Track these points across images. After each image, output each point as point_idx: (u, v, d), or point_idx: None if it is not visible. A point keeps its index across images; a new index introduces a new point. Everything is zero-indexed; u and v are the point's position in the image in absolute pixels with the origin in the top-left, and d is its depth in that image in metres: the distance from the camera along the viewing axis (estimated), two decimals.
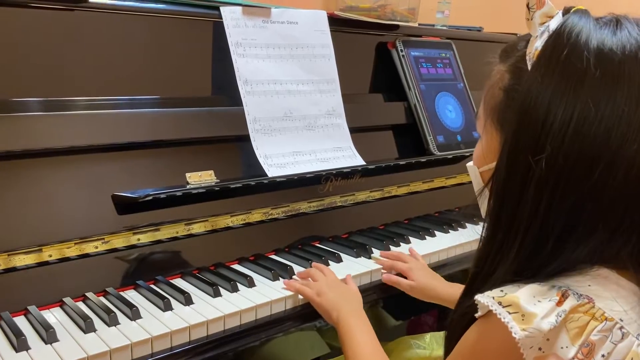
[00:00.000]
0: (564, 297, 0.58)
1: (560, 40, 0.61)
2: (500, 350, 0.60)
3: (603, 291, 0.59)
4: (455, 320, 0.70)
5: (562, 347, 0.57)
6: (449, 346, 0.70)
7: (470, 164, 0.78)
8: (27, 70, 0.96)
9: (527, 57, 0.64)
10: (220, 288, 0.97)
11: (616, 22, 0.62)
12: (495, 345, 0.61)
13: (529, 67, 0.63)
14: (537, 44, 0.63)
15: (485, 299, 0.61)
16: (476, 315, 0.63)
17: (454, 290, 1.07)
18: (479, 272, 0.68)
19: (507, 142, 0.64)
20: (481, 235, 0.69)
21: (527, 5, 0.66)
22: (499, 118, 0.69)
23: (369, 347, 0.87)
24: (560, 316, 0.57)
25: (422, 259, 1.19)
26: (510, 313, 0.58)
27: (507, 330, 0.58)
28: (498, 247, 0.64)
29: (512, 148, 0.63)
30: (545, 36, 0.62)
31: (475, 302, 0.62)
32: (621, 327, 0.58)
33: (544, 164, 0.59)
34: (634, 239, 0.59)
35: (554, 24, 0.63)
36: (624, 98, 0.58)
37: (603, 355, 0.57)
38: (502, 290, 0.61)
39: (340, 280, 1.04)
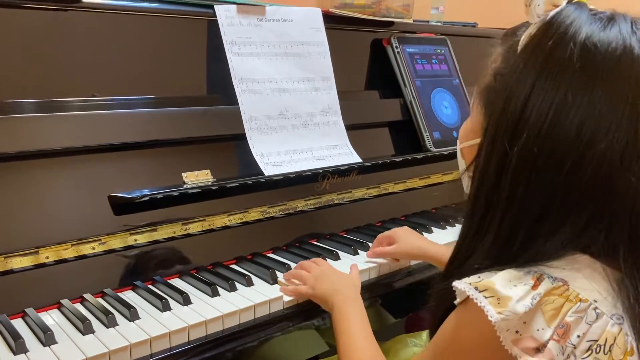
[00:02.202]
0: (539, 281, 0.59)
1: (550, 30, 0.61)
2: (478, 336, 0.61)
3: (577, 274, 0.60)
4: (434, 306, 0.71)
5: (538, 329, 0.58)
6: (432, 332, 0.71)
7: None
8: (21, 71, 0.96)
9: (520, 43, 0.64)
10: (218, 287, 0.97)
11: (610, 18, 0.62)
12: (473, 331, 0.62)
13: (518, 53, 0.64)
14: (531, 31, 0.64)
15: (462, 284, 0.62)
16: (455, 302, 0.63)
17: (440, 247, 1.09)
18: (457, 252, 0.69)
19: (489, 125, 0.65)
20: (463, 219, 0.70)
21: None
22: (484, 99, 0.70)
23: (360, 334, 0.87)
24: (535, 299, 0.58)
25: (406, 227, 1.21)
26: (486, 297, 0.59)
27: (483, 315, 0.58)
28: (476, 227, 0.66)
29: (492, 132, 0.64)
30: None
31: (453, 288, 0.63)
32: (595, 308, 0.58)
33: (519, 151, 0.60)
34: (602, 237, 0.60)
35: (552, 13, 0.63)
36: (599, 95, 0.58)
37: (578, 336, 0.58)
38: (479, 277, 0.62)
39: (335, 268, 1.03)
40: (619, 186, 0.59)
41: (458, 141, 0.79)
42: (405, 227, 1.19)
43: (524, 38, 0.64)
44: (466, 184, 0.77)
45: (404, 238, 1.12)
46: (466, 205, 0.70)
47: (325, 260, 1.11)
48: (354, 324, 0.88)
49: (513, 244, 0.62)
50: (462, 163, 0.78)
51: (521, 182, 0.61)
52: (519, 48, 0.64)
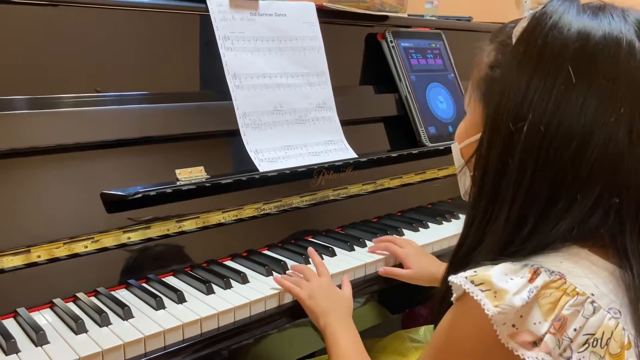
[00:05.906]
0: (535, 274, 0.59)
1: (544, 17, 0.63)
2: (475, 330, 0.61)
3: (574, 267, 0.60)
4: (438, 303, 0.71)
5: (534, 323, 0.58)
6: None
7: (454, 143, 0.79)
8: (12, 67, 0.94)
9: (514, 35, 0.66)
10: (213, 285, 0.96)
11: (600, 7, 0.64)
12: (470, 326, 0.61)
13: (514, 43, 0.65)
14: (523, 24, 0.65)
15: (459, 279, 0.61)
16: (452, 298, 0.63)
17: None
18: (462, 243, 0.70)
19: (491, 111, 0.66)
20: (467, 209, 0.70)
21: None
22: (483, 91, 0.71)
23: (356, 357, 0.87)
24: (532, 292, 0.58)
25: (416, 244, 1.18)
26: (482, 291, 0.59)
27: (480, 309, 0.58)
28: (482, 215, 0.66)
29: (494, 116, 0.65)
30: None
31: (450, 283, 0.63)
32: (592, 302, 0.58)
33: (526, 131, 0.61)
34: (611, 216, 0.61)
35: (543, 5, 0.65)
36: (601, 75, 0.59)
37: (575, 329, 0.58)
38: (475, 271, 0.61)
39: (334, 285, 1.00)
40: (628, 162, 0.60)
41: (456, 142, 0.78)
42: (417, 250, 1.14)
43: (517, 29, 0.65)
44: (462, 182, 0.78)
45: (419, 265, 1.10)
46: (470, 196, 0.69)
47: (323, 257, 1.10)
48: (349, 346, 0.88)
49: (523, 228, 0.62)
50: (460, 163, 0.78)
51: (529, 162, 0.61)
52: (514, 39, 0.65)
